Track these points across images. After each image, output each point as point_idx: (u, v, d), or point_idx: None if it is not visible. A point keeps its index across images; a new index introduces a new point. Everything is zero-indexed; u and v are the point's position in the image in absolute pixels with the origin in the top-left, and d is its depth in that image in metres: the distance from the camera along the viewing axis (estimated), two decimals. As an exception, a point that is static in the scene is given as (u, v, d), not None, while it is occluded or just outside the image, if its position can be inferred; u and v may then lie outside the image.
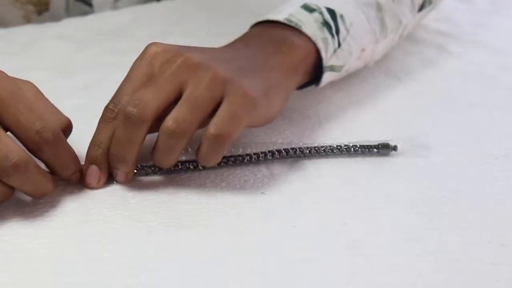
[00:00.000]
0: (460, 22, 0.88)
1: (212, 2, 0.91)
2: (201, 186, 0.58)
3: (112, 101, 0.57)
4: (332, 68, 0.67)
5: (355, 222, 0.54)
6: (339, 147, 0.61)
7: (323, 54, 0.65)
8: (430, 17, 0.87)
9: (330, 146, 0.61)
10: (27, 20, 0.87)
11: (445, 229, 0.53)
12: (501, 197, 0.57)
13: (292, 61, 0.62)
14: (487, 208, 0.56)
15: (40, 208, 0.55)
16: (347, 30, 0.67)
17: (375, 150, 0.61)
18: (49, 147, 0.54)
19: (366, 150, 0.61)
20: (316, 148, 0.61)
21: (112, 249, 0.51)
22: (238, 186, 0.58)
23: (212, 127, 0.54)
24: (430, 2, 0.78)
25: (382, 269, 0.49)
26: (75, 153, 0.56)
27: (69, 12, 0.88)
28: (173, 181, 0.58)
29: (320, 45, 0.65)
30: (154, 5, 0.90)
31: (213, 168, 0.59)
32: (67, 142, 0.56)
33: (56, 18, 0.87)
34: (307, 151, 0.61)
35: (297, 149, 0.61)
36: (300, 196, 0.57)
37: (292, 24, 0.65)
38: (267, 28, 0.65)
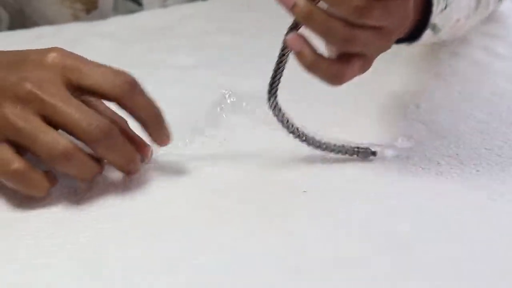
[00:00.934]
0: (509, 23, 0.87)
1: (259, 1, 0.91)
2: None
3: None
4: (434, 28, 0.66)
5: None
6: (324, 145, 0.61)
7: (434, 8, 0.64)
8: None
9: (319, 142, 0.61)
10: (76, 19, 0.88)
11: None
12: None
13: None
14: None
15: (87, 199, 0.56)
16: None
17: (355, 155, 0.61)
18: (103, 144, 0.54)
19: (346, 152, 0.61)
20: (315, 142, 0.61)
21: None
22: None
23: None
24: None
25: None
26: (130, 147, 0.56)
27: (117, 11, 0.89)
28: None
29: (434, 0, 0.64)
30: (201, 4, 0.91)
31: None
32: (122, 138, 0.55)
33: (104, 16, 0.88)
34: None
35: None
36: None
37: None
38: None
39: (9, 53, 0.57)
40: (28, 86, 0.54)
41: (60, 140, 0.53)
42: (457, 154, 0.63)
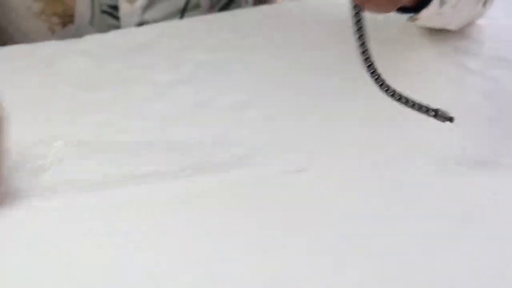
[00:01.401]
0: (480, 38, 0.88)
1: (236, 20, 0.92)
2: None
3: None
4: None
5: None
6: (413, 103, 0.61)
7: None
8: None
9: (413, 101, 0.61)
10: (52, 32, 0.87)
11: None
12: None
13: None
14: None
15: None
16: None
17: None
18: None
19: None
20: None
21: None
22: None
23: None
24: None
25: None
26: None
27: (94, 24, 0.89)
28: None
29: None
30: (177, 22, 0.91)
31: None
32: None
33: (81, 30, 0.88)
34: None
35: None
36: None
37: None
38: None
39: None
40: None
41: None
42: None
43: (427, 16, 0.70)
